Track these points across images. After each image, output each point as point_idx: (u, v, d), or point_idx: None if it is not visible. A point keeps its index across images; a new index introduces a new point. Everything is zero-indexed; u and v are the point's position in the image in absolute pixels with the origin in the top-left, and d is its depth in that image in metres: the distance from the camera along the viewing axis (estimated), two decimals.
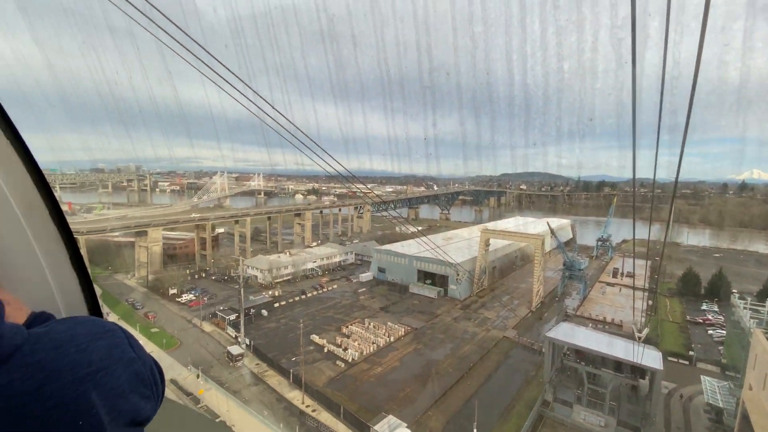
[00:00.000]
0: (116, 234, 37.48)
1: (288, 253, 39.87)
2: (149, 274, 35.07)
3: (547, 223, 40.06)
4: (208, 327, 27.27)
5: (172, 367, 21.69)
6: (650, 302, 32.44)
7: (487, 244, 36.37)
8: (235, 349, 22.88)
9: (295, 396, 19.54)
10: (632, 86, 2.53)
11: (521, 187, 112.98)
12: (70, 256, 1.04)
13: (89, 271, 1.06)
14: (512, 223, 57.34)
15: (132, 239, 37.15)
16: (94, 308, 1.06)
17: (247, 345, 24.02)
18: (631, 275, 36.62)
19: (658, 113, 2.92)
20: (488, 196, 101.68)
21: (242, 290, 27.15)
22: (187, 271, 37.45)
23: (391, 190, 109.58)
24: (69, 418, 0.50)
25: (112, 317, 27.73)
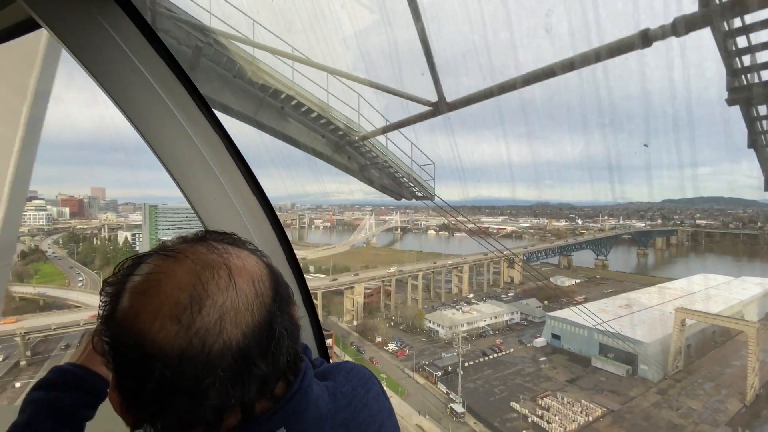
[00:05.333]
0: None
1: (461, 311, 46.83)
2: (354, 320, 46.25)
3: None
4: (420, 379, 35.43)
5: (411, 416, 29.94)
6: None
7: (683, 324, 36.59)
8: (457, 407, 29.96)
9: None
10: None
11: (697, 222, 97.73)
12: (303, 297, 1.21)
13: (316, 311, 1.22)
14: (699, 282, 53.20)
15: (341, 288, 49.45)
16: (322, 345, 1.24)
17: (462, 403, 31.03)
18: None
19: None
20: (653, 237, 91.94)
21: (459, 348, 34.55)
22: (378, 319, 47.68)
23: (527, 225, 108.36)
24: None
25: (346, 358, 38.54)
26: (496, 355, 40.08)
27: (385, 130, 6.74)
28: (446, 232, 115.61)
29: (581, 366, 36.84)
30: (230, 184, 1.27)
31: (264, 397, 0.41)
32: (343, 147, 6.61)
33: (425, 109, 5.25)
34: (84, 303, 33.37)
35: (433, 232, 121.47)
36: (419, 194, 7.60)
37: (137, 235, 53.16)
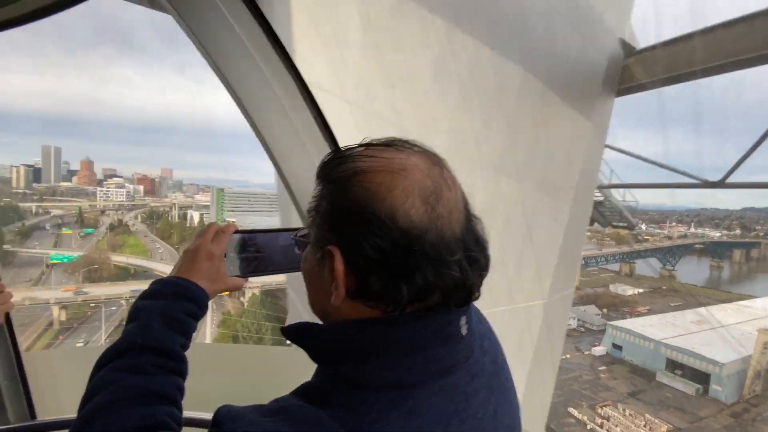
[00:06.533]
0: None
1: None
2: None
3: None
4: None
5: None
6: None
7: (766, 346, 34.14)
8: None
9: None
10: None
11: None
12: None
13: None
14: None
15: None
16: None
17: None
18: None
19: None
20: (730, 248, 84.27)
21: None
22: None
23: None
24: None
25: None
26: None
27: None
28: None
29: (644, 379, 35.54)
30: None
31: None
32: None
33: None
34: (167, 273, 37.45)
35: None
36: None
37: (205, 215, 57.79)
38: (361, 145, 0.47)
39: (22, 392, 1.65)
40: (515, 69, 2.99)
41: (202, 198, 65.32)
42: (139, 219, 57.78)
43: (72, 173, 71.22)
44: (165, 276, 0.64)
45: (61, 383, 1.86)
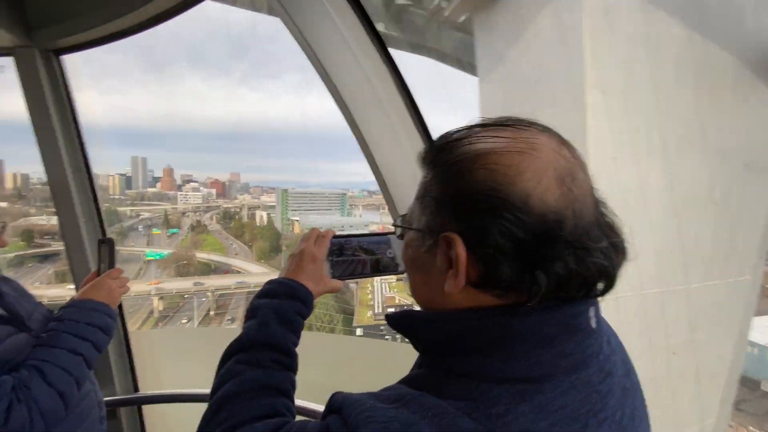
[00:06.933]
0: None
1: None
2: None
3: None
4: None
5: None
6: None
7: None
8: None
9: None
10: None
11: None
12: None
13: None
14: None
15: None
16: None
17: None
18: None
19: None
20: None
21: None
22: None
23: None
24: None
25: None
26: None
27: None
28: None
29: (747, 388, 31.36)
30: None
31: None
32: None
33: None
34: (244, 269, 40.38)
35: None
36: None
37: (271, 215, 61.43)
38: (473, 126, 0.44)
39: (129, 368, 1.87)
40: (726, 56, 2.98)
41: (267, 199, 69.54)
42: (214, 219, 62.90)
43: (156, 180, 79.75)
44: (276, 277, 0.69)
45: (159, 362, 2.12)
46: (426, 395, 0.38)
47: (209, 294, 30.90)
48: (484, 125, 0.44)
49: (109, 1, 1.49)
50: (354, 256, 0.74)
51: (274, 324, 0.60)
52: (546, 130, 0.43)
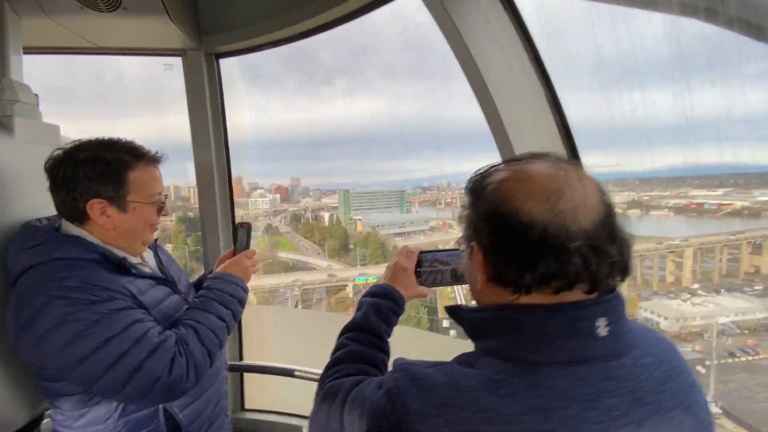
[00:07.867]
0: None
1: (689, 302, 40.00)
2: None
3: None
4: None
5: None
6: None
7: None
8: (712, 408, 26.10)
9: None
10: None
11: None
12: None
13: None
14: None
15: None
16: None
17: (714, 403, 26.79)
18: None
19: None
20: None
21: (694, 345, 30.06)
22: None
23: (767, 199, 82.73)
24: None
25: None
26: (749, 358, 32.25)
27: None
28: (638, 210, 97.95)
29: None
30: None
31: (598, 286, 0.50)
32: None
33: None
34: (318, 265, 42.09)
35: (618, 210, 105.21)
36: None
37: (334, 215, 63.23)
38: (501, 162, 0.57)
39: (238, 338, 2.06)
40: None
41: (328, 201, 71.90)
42: (283, 222, 66.15)
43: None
44: (378, 282, 0.88)
45: (262, 336, 2.29)
46: (459, 366, 0.51)
47: (296, 288, 32.54)
48: (510, 160, 0.57)
49: (276, 13, 1.62)
50: (435, 268, 0.88)
51: (372, 316, 0.80)
52: (550, 160, 0.54)
